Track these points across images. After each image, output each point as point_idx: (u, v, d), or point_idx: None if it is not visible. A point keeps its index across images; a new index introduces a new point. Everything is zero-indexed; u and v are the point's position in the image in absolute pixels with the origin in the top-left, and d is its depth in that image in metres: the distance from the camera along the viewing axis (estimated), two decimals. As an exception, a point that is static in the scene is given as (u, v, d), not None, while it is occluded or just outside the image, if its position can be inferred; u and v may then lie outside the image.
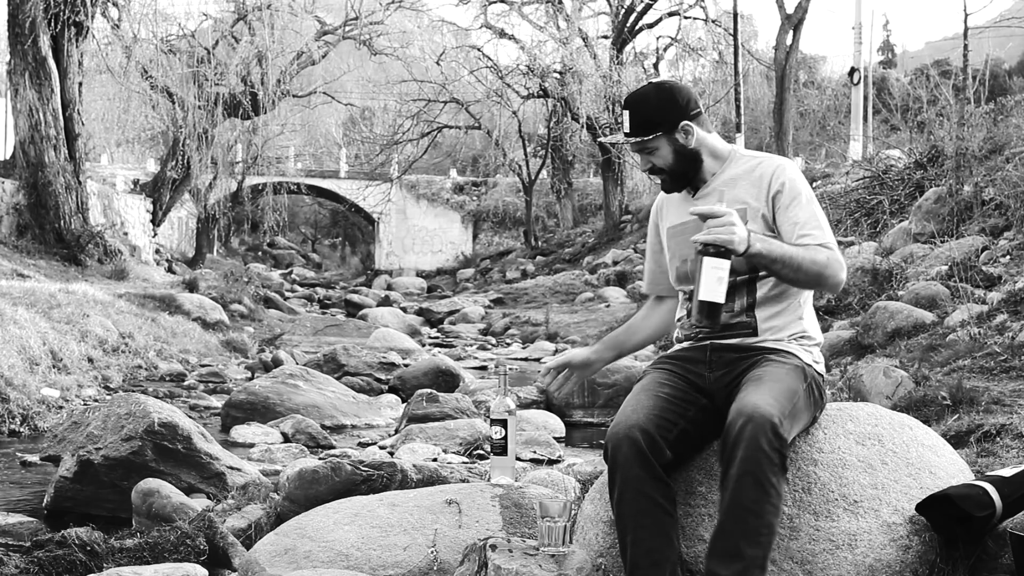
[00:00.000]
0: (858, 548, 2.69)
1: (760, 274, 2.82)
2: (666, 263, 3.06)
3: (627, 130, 2.86)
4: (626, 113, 2.86)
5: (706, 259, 2.58)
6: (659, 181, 2.97)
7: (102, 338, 10.56)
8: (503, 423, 3.30)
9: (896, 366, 5.79)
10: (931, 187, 11.44)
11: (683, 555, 2.75)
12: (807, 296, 2.92)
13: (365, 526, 3.23)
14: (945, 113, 14.66)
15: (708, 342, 2.87)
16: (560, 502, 2.75)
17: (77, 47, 18.15)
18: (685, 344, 2.96)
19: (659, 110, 2.83)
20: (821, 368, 2.89)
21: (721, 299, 2.59)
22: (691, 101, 2.86)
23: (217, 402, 8.91)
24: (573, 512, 2.98)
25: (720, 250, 2.59)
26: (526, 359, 13.96)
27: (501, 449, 3.33)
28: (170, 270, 22.45)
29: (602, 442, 2.82)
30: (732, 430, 2.52)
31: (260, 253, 41.22)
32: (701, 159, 2.89)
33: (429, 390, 8.19)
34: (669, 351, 3.03)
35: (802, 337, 2.87)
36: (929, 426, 3.42)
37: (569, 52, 27.86)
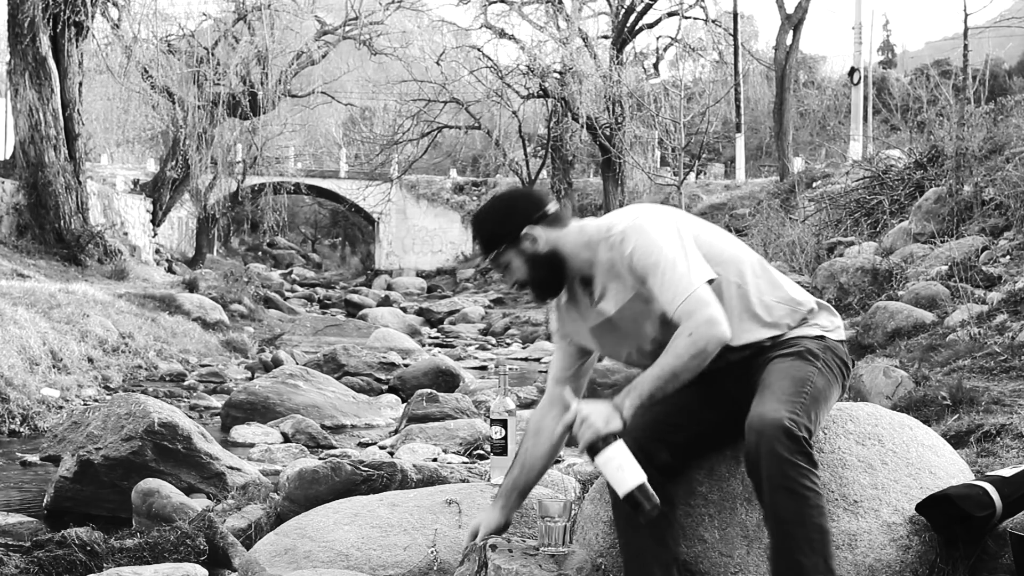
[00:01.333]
0: (858, 548, 2.69)
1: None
2: (581, 347, 2.91)
3: (479, 250, 2.82)
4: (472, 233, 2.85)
5: (598, 459, 2.55)
6: (528, 295, 2.87)
7: (102, 338, 10.56)
8: (503, 423, 3.30)
9: (896, 366, 5.79)
10: (931, 187, 11.44)
11: (683, 555, 2.75)
12: (749, 278, 2.73)
13: (365, 526, 3.23)
14: (945, 113, 14.65)
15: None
16: (560, 502, 2.75)
17: (77, 47, 18.15)
18: None
19: (498, 223, 2.74)
20: (835, 333, 2.78)
21: (637, 480, 2.52)
22: (532, 205, 2.73)
23: (217, 402, 8.92)
24: (573, 512, 2.98)
25: (603, 443, 2.55)
26: (526, 359, 13.97)
27: (501, 449, 3.32)
28: (170, 270, 22.45)
29: (602, 442, 2.79)
30: (749, 449, 2.49)
31: (260, 253, 41.22)
32: (561, 259, 2.72)
33: (429, 390, 8.19)
34: None
35: (800, 320, 2.74)
36: (929, 426, 3.41)
37: (569, 52, 27.84)
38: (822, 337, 2.73)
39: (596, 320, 2.77)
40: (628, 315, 2.71)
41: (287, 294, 25.90)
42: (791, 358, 2.66)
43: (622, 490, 2.49)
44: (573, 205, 33.17)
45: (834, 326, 2.79)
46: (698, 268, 2.60)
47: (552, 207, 2.76)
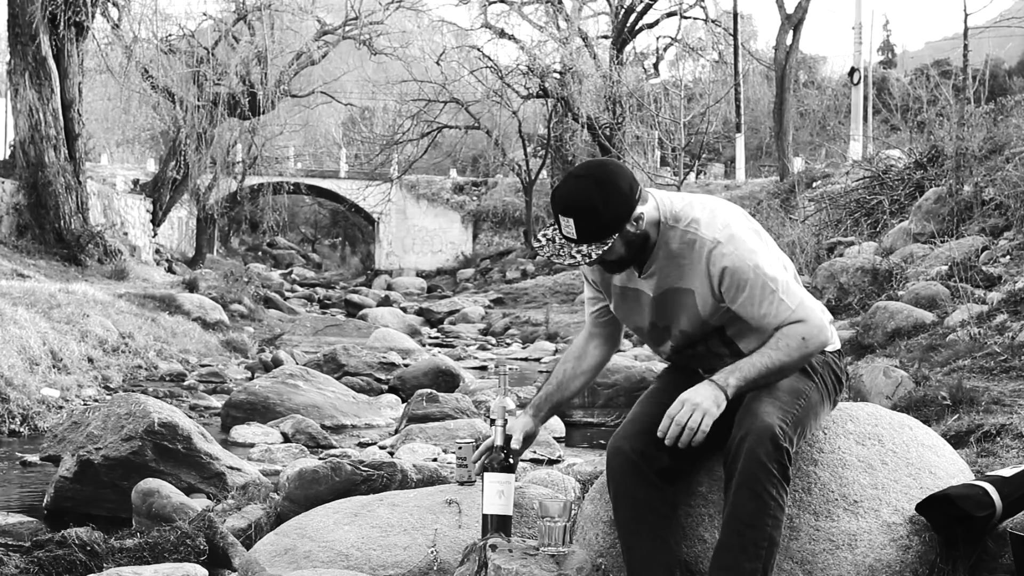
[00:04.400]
0: (858, 548, 2.69)
1: (703, 342, 2.72)
2: (604, 303, 2.90)
3: (573, 237, 2.53)
4: (570, 221, 2.51)
5: (487, 475, 2.72)
6: (609, 266, 2.69)
7: (102, 338, 10.56)
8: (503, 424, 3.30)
9: (896, 366, 5.79)
10: (931, 187, 11.44)
11: (683, 556, 2.75)
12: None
13: (365, 526, 3.23)
14: (945, 113, 14.66)
15: (699, 370, 2.79)
16: (560, 502, 2.75)
17: (77, 47, 18.15)
18: None
19: (610, 211, 2.51)
20: (834, 346, 2.80)
21: (507, 512, 2.75)
22: (630, 186, 2.55)
23: (217, 402, 8.92)
24: (573, 512, 2.98)
25: (505, 464, 2.75)
26: (526, 359, 13.97)
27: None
28: (170, 270, 22.45)
29: (602, 442, 2.85)
30: (733, 443, 2.53)
31: (260, 253, 41.20)
32: (649, 237, 2.63)
33: (429, 390, 8.19)
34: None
35: None
36: (929, 426, 3.42)
37: (569, 52, 27.85)
38: (821, 352, 2.76)
39: (630, 284, 2.75)
40: (664, 300, 2.70)
41: (287, 294, 25.89)
42: None
43: (494, 511, 2.75)
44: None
45: (833, 338, 2.82)
46: (793, 279, 2.67)
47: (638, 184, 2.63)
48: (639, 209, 2.57)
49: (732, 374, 2.57)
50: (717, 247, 2.58)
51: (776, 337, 2.60)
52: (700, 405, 2.52)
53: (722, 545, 2.51)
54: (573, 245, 2.55)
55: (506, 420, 2.94)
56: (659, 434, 2.56)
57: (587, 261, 2.55)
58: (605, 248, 2.53)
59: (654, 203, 2.63)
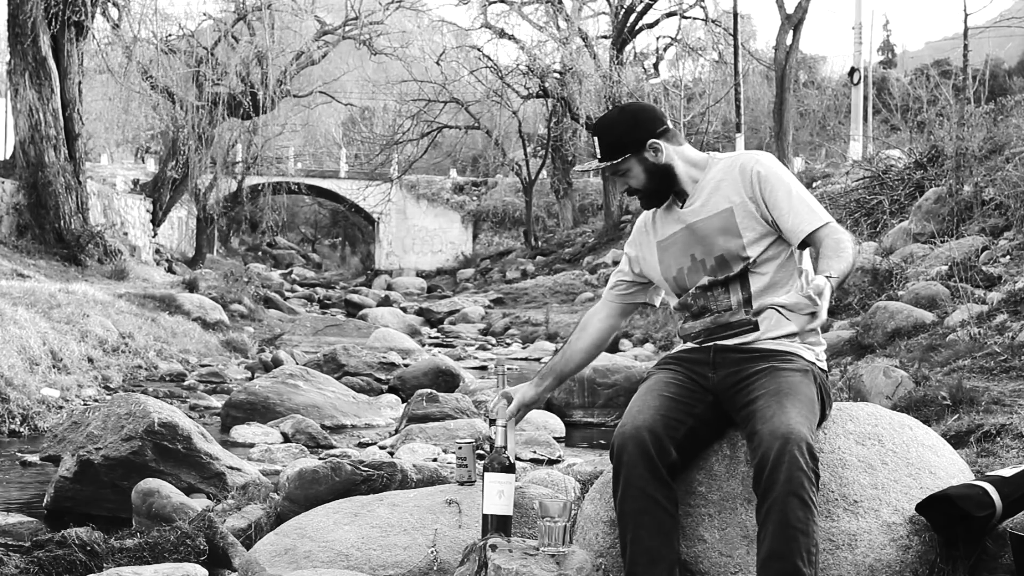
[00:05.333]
0: (858, 548, 2.69)
1: (752, 268, 2.84)
2: (640, 275, 3.08)
3: (599, 156, 2.92)
4: (595, 139, 2.91)
5: (487, 475, 2.76)
6: (638, 201, 3.02)
7: (102, 338, 10.56)
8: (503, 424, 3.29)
9: (896, 366, 5.79)
10: (931, 187, 11.44)
11: (682, 555, 2.75)
12: (799, 286, 2.89)
13: (365, 526, 3.23)
14: (945, 113, 14.67)
15: (712, 343, 2.88)
16: (560, 502, 2.75)
17: (77, 47, 18.15)
18: (688, 344, 2.96)
19: (625, 133, 2.88)
20: (824, 363, 2.91)
21: (507, 512, 2.79)
22: (655, 119, 2.90)
23: (217, 402, 8.91)
24: (573, 512, 2.98)
25: (505, 464, 2.80)
26: (526, 359, 13.97)
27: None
28: (170, 270, 22.45)
29: (602, 442, 2.85)
30: (770, 453, 2.52)
31: (260, 253, 41.21)
32: (675, 173, 2.91)
33: (429, 390, 8.19)
34: (673, 351, 3.04)
35: (810, 339, 2.86)
36: (929, 426, 3.41)
37: (569, 52, 27.86)
38: (818, 365, 2.85)
39: (673, 229, 2.93)
40: (707, 226, 2.87)
41: (287, 294, 25.89)
42: (799, 373, 2.74)
43: (493, 511, 2.79)
44: (573, 205, 33.19)
45: (823, 355, 2.93)
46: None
47: (671, 124, 2.94)
48: (661, 143, 2.87)
49: (832, 272, 2.57)
50: (760, 157, 2.89)
51: (829, 243, 2.68)
52: (823, 291, 2.49)
53: (775, 554, 2.49)
54: (596, 162, 2.95)
55: (507, 421, 2.95)
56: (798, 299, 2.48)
57: (608, 173, 2.96)
58: (616, 163, 2.87)
59: (690, 148, 2.95)
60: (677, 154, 2.91)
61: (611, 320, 3.17)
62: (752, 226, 2.81)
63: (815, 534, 2.50)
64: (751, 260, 2.82)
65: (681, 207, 2.94)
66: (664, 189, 2.93)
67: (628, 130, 2.88)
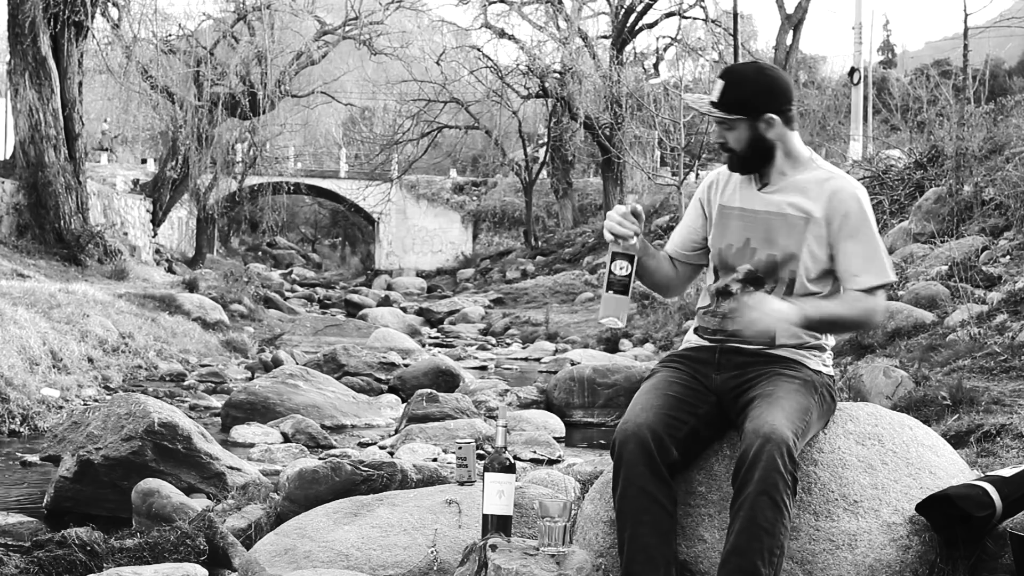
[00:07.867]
0: (858, 548, 2.69)
1: (770, 284, 2.83)
2: (700, 233, 3.01)
3: (714, 99, 2.83)
4: (719, 83, 2.83)
5: (487, 475, 2.76)
6: (725, 157, 2.92)
7: (102, 338, 10.56)
8: (630, 259, 2.80)
9: (896, 366, 5.80)
10: (931, 187, 11.44)
11: (682, 555, 2.75)
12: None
13: (365, 526, 3.23)
14: (945, 113, 14.64)
15: (718, 344, 2.87)
16: (560, 502, 2.75)
17: (77, 47, 18.14)
18: (694, 341, 2.95)
19: (753, 94, 2.80)
20: (830, 370, 2.89)
21: (507, 512, 2.79)
22: (784, 95, 2.83)
23: (217, 402, 8.92)
24: (573, 512, 2.98)
25: (505, 464, 2.79)
26: (526, 359, 13.97)
27: (623, 287, 2.80)
28: (170, 270, 22.44)
29: (602, 442, 2.85)
30: (750, 450, 2.54)
31: (260, 253, 41.19)
32: (774, 154, 2.85)
33: (429, 390, 8.19)
34: (678, 349, 3.03)
35: (814, 347, 2.86)
36: (929, 426, 3.41)
37: (569, 52, 27.85)
38: (824, 374, 2.85)
39: (741, 204, 2.90)
40: (769, 222, 2.84)
41: (287, 294, 25.88)
42: (799, 382, 2.75)
43: (493, 511, 2.79)
44: (573, 205, 33.19)
45: (830, 360, 2.93)
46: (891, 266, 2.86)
47: (795, 107, 2.89)
48: (777, 118, 2.80)
49: (806, 305, 2.71)
50: (859, 193, 2.82)
51: (852, 296, 2.76)
52: (768, 315, 2.64)
53: (737, 549, 2.51)
54: (710, 104, 2.84)
55: (507, 422, 2.94)
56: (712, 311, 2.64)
57: (712, 115, 2.84)
58: (728, 118, 2.79)
59: (799, 139, 2.88)
60: (785, 139, 2.84)
61: (687, 281, 3.09)
62: (815, 246, 2.80)
63: (782, 536, 2.51)
64: (799, 276, 2.81)
65: (759, 189, 2.90)
66: (756, 163, 2.87)
67: (758, 93, 2.80)
